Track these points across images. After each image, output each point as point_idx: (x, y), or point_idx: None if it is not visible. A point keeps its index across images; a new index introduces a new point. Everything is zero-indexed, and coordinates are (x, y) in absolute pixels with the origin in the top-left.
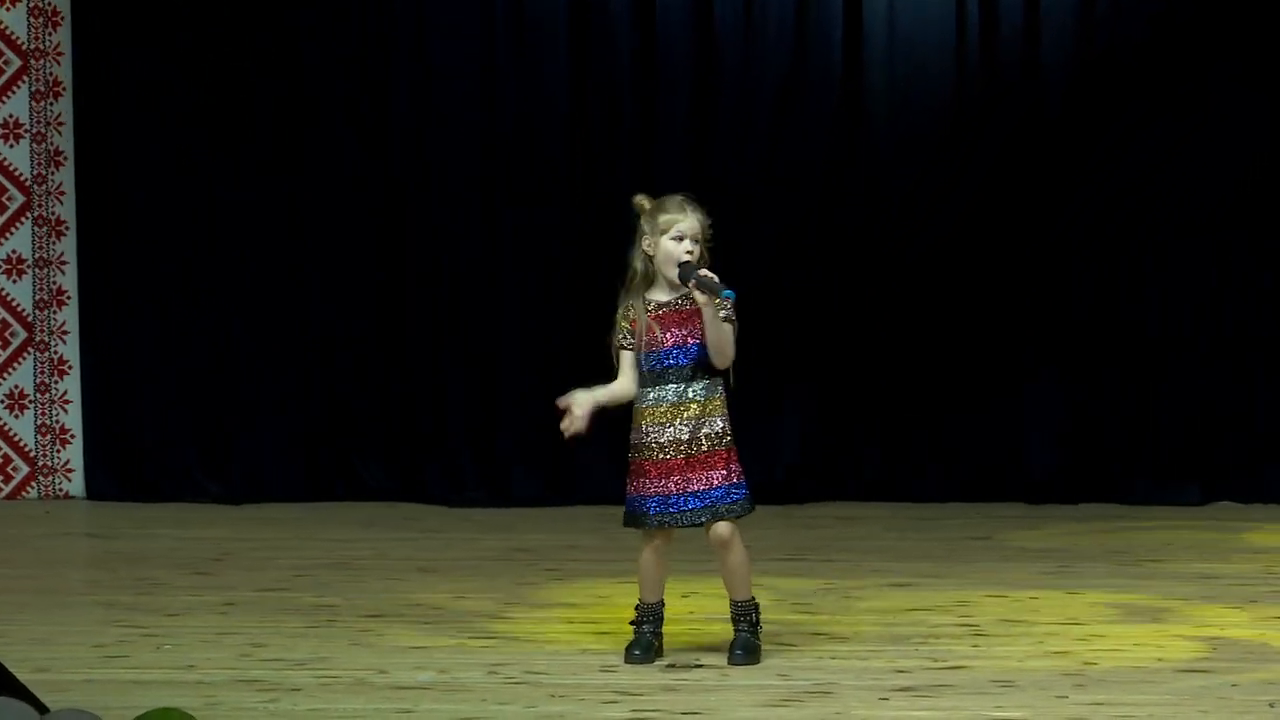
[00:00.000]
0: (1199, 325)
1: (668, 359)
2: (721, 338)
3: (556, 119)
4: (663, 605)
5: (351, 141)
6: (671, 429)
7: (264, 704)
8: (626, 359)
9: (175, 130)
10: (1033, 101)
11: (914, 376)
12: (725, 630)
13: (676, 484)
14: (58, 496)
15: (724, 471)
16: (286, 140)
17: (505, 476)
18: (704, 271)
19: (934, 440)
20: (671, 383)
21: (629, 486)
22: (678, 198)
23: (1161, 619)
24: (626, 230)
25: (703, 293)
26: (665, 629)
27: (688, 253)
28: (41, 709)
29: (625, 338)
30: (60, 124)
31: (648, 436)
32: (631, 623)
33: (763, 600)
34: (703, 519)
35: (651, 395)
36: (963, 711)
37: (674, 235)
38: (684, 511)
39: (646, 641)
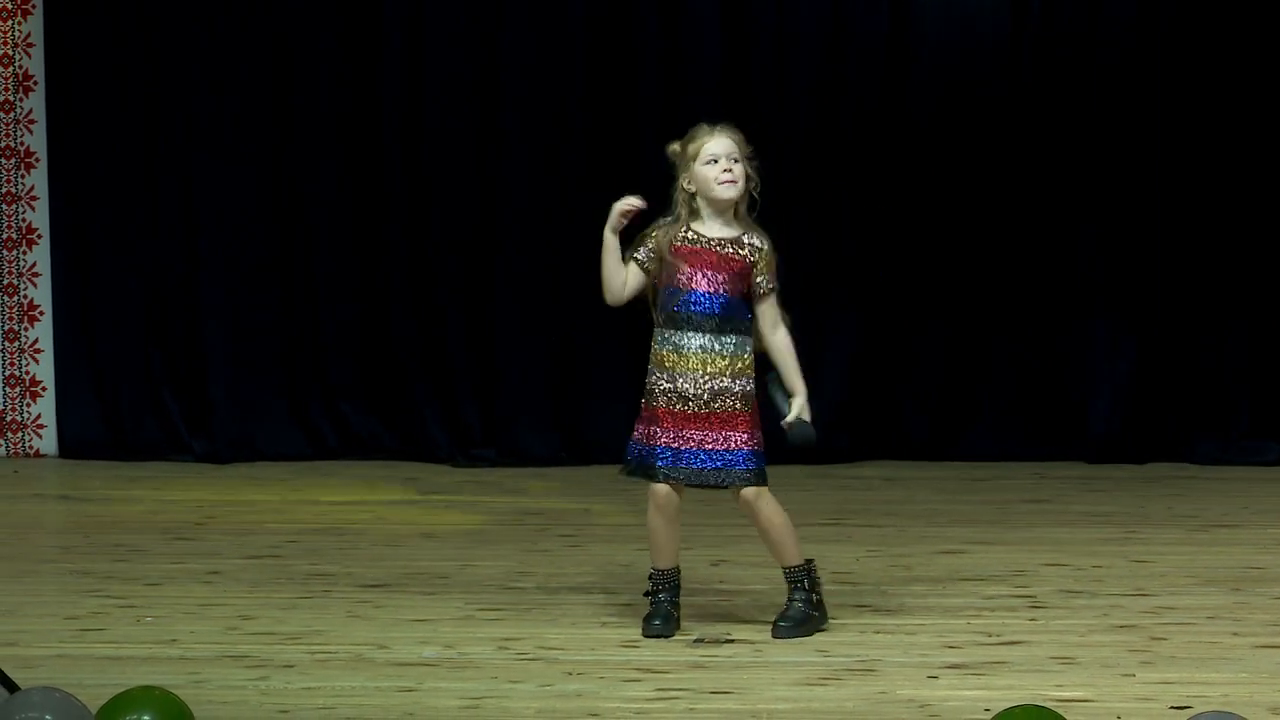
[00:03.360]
0: (1275, 275)
1: (696, 304)
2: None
3: (565, 58)
4: (679, 572)
5: (341, 74)
6: (694, 379)
7: (253, 681)
8: (633, 272)
9: (152, 52)
10: (1094, 46)
11: (963, 325)
12: (757, 601)
13: (692, 438)
14: (27, 454)
15: (745, 435)
16: (272, 68)
17: (515, 434)
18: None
19: (986, 394)
20: (697, 330)
21: (637, 432)
22: (704, 124)
23: (1237, 589)
24: (632, 171)
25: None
26: (693, 600)
27: (726, 171)
28: (10, 686)
29: (642, 251)
30: (30, 45)
31: (668, 382)
32: (646, 593)
33: (812, 564)
34: (713, 481)
35: (675, 339)
36: (1019, 691)
37: (706, 160)
38: (694, 469)
39: (665, 612)
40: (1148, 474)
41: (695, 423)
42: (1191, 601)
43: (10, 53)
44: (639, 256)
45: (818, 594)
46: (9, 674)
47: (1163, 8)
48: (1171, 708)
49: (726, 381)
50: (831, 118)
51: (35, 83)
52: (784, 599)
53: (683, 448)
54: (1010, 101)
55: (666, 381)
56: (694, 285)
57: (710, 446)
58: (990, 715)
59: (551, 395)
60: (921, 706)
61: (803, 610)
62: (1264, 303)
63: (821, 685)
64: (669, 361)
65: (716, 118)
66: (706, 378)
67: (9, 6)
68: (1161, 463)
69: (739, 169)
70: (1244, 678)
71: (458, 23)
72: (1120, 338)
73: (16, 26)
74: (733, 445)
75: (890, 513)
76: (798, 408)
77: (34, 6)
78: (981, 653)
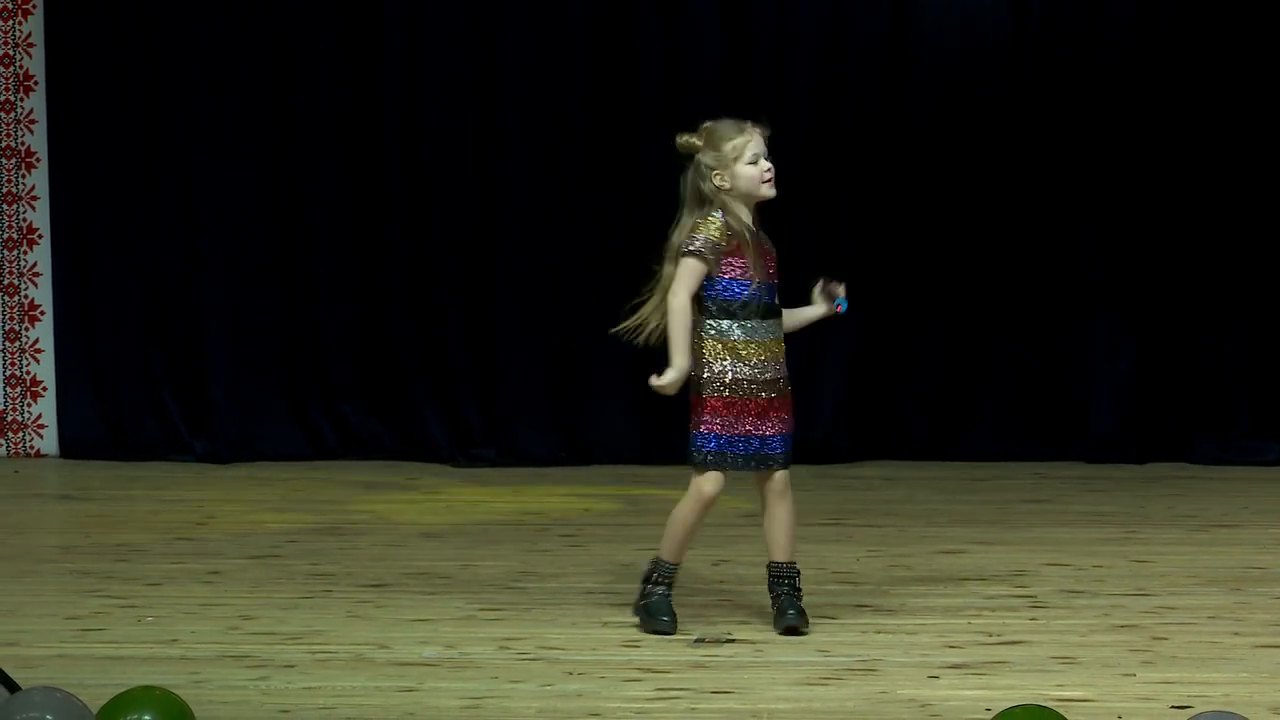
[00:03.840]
0: (1275, 275)
1: (764, 294)
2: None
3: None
4: (677, 570)
5: (341, 74)
6: (771, 367)
7: (254, 682)
8: (693, 269)
9: (153, 52)
10: (1094, 46)
11: (963, 325)
12: (759, 601)
13: (771, 425)
14: (28, 454)
15: (789, 417)
16: (272, 68)
17: (516, 434)
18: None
19: (986, 394)
20: (763, 318)
21: (711, 424)
22: (729, 121)
23: (1238, 589)
24: (634, 171)
25: (827, 303)
26: (694, 600)
27: (769, 170)
28: (11, 686)
29: (704, 245)
30: (30, 45)
31: (750, 372)
32: (645, 580)
33: (800, 568)
34: (777, 464)
35: (748, 326)
36: (1019, 691)
37: (749, 159)
38: (771, 454)
39: (670, 605)
40: (1148, 474)
41: (771, 410)
42: (1192, 601)
43: (11, 53)
44: (699, 249)
45: (800, 595)
46: (10, 674)
47: (1163, 8)
48: (1172, 707)
49: (783, 366)
50: (831, 118)
51: (36, 83)
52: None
53: (765, 435)
54: (1010, 101)
55: (747, 369)
56: (752, 276)
57: (777, 431)
58: (991, 715)
59: (551, 395)
60: (922, 706)
61: (799, 604)
62: (1264, 303)
63: (822, 685)
64: (747, 351)
65: (720, 117)
66: (775, 364)
67: (9, 6)
68: (1162, 463)
69: (771, 168)
70: (1245, 677)
71: (458, 23)
72: (1120, 338)
73: (17, 26)
74: (788, 428)
75: (891, 513)
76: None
77: (34, 6)
78: (982, 652)
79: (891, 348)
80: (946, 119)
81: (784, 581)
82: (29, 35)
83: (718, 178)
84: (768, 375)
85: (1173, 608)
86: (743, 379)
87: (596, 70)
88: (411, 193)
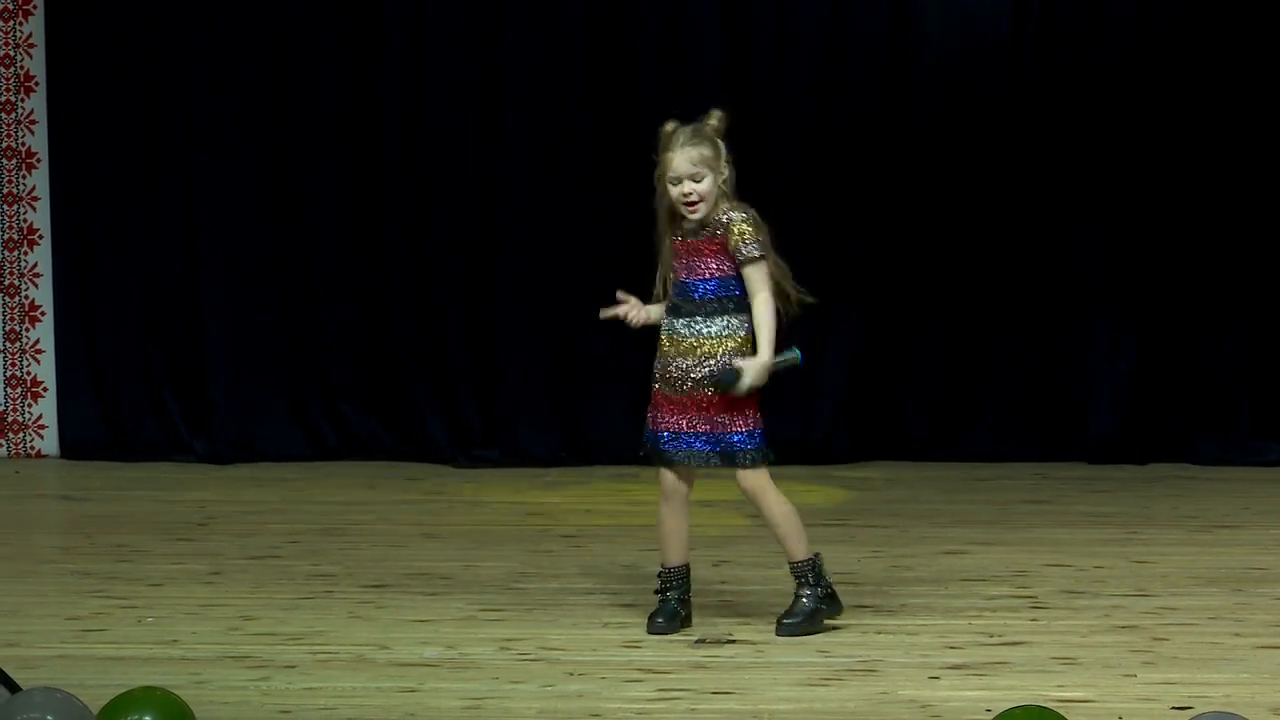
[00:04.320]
0: (1276, 275)
1: (687, 291)
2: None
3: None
4: (688, 569)
5: (341, 74)
6: (681, 362)
7: (254, 682)
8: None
9: (153, 53)
10: (1095, 46)
11: (963, 325)
12: (759, 602)
13: (689, 421)
14: (29, 455)
15: (742, 417)
16: (272, 68)
17: (516, 434)
18: (732, 366)
19: (987, 394)
20: (684, 315)
21: (646, 418)
22: (675, 129)
23: (1239, 590)
24: (632, 174)
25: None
26: (694, 600)
27: (686, 194)
28: (12, 687)
29: (661, 268)
30: (31, 46)
31: (660, 367)
32: (656, 591)
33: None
34: (713, 462)
35: (665, 324)
36: (1020, 691)
37: (671, 178)
38: (693, 451)
39: (671, 610)
40: (1149, 474)
41: (691, 407)
42: (1193, 602)
43: (11, 53)
44: (664, 257)
45: (824, 587)
46: (10, 674)
47: (1163, 8)
48: (1173, 708)
49: (714, 363)
50: (831, 118)
51: (36, 83)
52: (789, 597)
53: (681, 430)
54: (1010, 102)
55: (659, 366)
56: (682, 275)
57: (703, 430)
58: (991, 716)
59: (552, 395)
60: (923, 707)
61: (808, 607)
62: (1264, 303)
63: (823, 685)
64: (661, 345)
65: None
66: (695, 360)
67: (10, 7)
68: (1162, 463)
69: (702, 186)
70: (1245, 678)
71: (458, 23)
72: (1121, 338)
73: (17, 27)
74: (732, 427)
75: (892, 513)
76: (747, 365)
77: (35, 7)
78: (983, 653)
79: (891, 348)
80: (946, 119)
81: (799, 581)
82: (29, 36)
83: (659, 183)
84: (674, 370)
85: (1173, 608)
86: (657, 376)
87: (597, 70)
88: (411, 193)
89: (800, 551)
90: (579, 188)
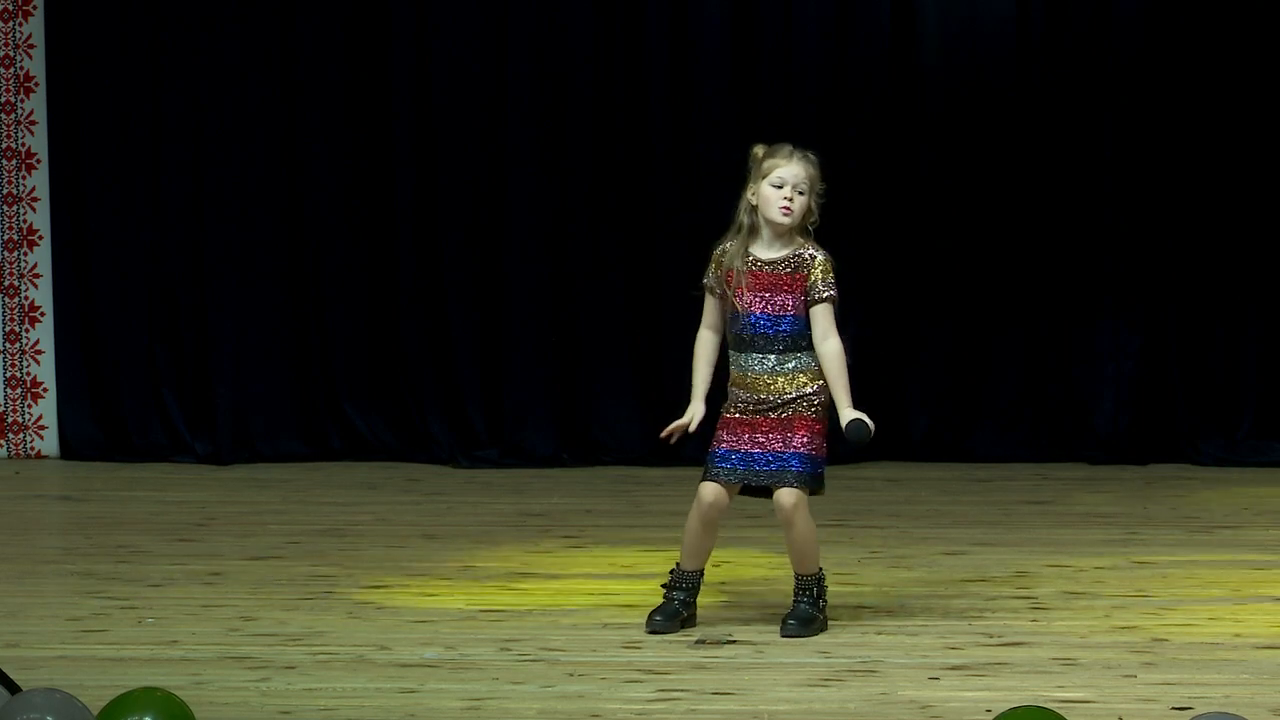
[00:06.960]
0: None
1: (755, 326)
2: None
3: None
4: (701, 576)
5: (347, 77)
6: (751, 397)
7: (255, 683)
8: (710, 304)
9: (154, 53)
10: (1102, 46)
11: (966, 325)
12: (760, 603)
13: (754, 440)
14: (29, 455)
15: (814, 444)
16: (276, 70)
17: (518, 435)
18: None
19: (989, 395)
20: (758, 351)
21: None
22: (789, 146)
23: (1239, 591)
24: (639, 176)
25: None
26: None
27: (786, 199)
28: (12, 688)
29: (711, 279)
30: (31, 47)
31: (733, 397)
32: (663, 586)
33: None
34: (761, 479)
35: (741, 360)
36: (1020, 692)
37: (774, 181)
38: (751, 471)
39: (673, 610)
40: (1151, 475)
41: (758, 428)
42: (1194, 603)
43: (11, 54)
44: (710, 282)
45: (824, 600)
46: (10, 675)
47: (1171, 5)
48: (1173, 709)
49: (790, 392)
50: (837, 118)
51: (36, 84)
52: (789, 598)
53: (743, 450)
54: (1017, 101)
55: (733, 398)
56: (755, 308)
57: (772, 449)
58: (991, 716)
59: (556, 396)
60: (923, 708)
61: (809, 611)
62: (1268, 303)
63: (823, 686)
64: (737, 382)
65: (781, 140)
66: (771, 394)
67: (10, 8)
68: (1165, 464)
69: (800, 202)
70: (1245, 679)
71: (465, 25)
72: (1124, 338)
73: (17, 28)
74: (793, 446)
75: (892, 514)
76: (846, 419)
77: (35, 8)
78: (983, 654)
79: (893, 348)
80: (952, 118)
81: (801, 593)
82: (29, 36)
83: (750, 192)
84: (751, 400)
85: (1173, 609)
86: (729, 399)
87: (604, 74)
88: (417, 193)
89: (812, 567)
90: (585, 189)
